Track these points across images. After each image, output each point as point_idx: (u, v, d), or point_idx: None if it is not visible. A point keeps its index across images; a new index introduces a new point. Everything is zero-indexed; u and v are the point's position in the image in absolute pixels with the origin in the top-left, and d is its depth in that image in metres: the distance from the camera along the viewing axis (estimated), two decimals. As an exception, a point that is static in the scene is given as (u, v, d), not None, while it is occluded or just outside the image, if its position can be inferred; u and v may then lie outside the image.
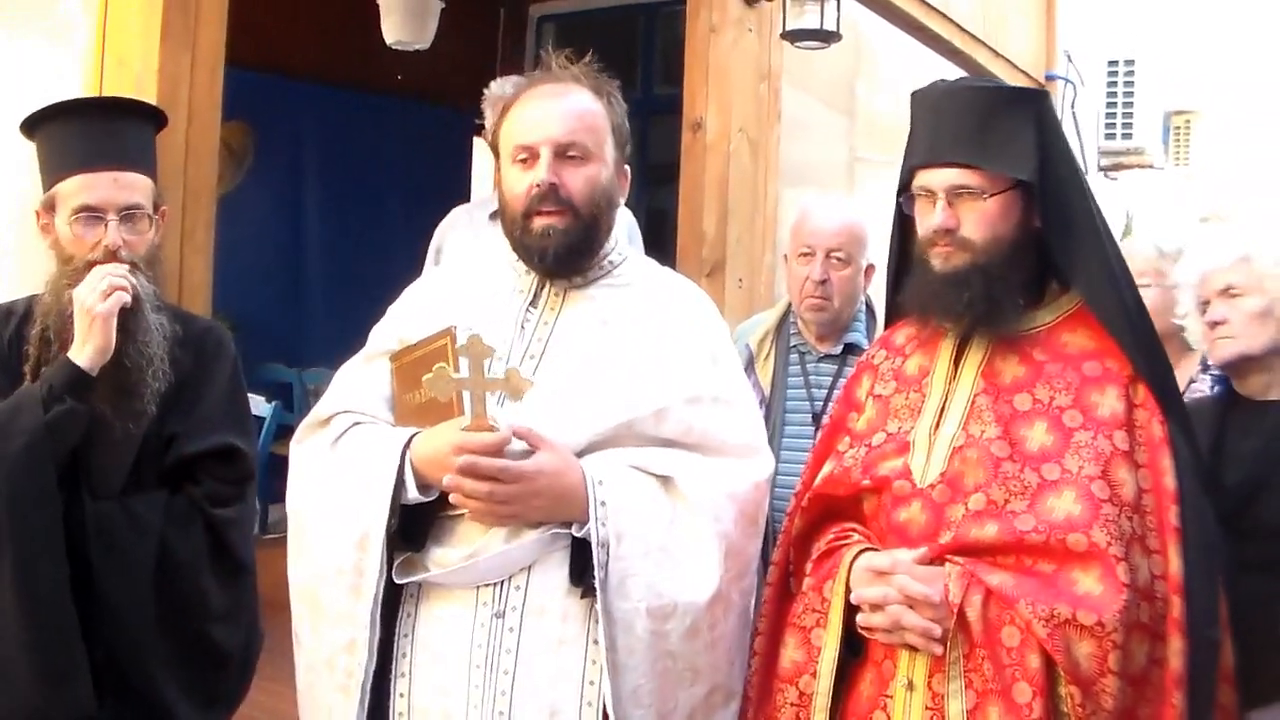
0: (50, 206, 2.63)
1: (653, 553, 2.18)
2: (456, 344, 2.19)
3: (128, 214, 2.59)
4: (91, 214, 2.58)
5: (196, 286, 3.54)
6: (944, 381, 2.21)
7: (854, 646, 2.20)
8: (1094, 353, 2.15)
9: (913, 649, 2.07)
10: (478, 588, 2.23)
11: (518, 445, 2.18)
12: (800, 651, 2.24)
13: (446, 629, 2.24)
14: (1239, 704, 2.17)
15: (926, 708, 2.07)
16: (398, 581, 2.25)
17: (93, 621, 2.48)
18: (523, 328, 2.36)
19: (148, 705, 2.52)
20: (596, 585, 2.14)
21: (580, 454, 2.23)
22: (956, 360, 2.23)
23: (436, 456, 2.19)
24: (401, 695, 2.26)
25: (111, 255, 2.55)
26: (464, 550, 2.23)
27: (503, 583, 2.22)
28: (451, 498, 2.19)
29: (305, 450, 2.38)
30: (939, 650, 2.04)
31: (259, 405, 2.79)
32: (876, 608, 2.08)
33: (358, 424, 2.35)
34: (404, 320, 2.44)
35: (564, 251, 2.31)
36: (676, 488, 2.23)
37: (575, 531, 2.18)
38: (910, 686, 2.09)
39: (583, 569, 2.17)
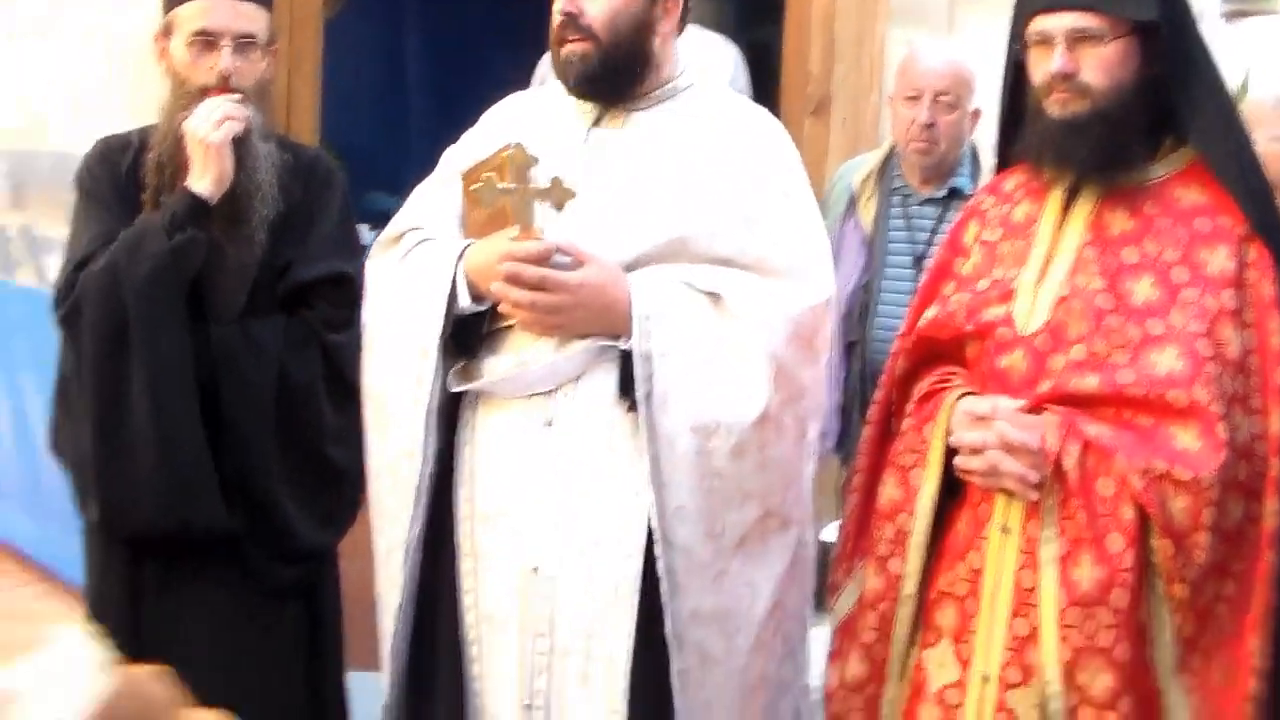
0: (168, 31, 2.67)
1: (697, 369, 2.23)
2: (507, 156, 2.25)
3: (242, 42, 2.62)
4: (207, 39, 2.60)
5: (304, 116, 3.59)
6: (1051, 231, 2.20)
7: (951, 488, 2.23)
8: (1206, 209, 2.12)
9: (1009, 494, 2.11)
10: (529, 396, 2.30)
11: (566, 259, 2.24)
12: (899, 490, 2.28)
13: (501, 437, 2.34)
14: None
15: (1020, 551, 2.11)
16: (451, 389, 2.35)
17: (218, 440, 2.58)
18: (584, 147, 2.41)
19: (270, 520, 2.63)
20: (639, 399, 2.20)
21: (631, 268, 2.28)
22: (1065, 210, 2.21)
23: (485, 265, 2.27)
24: (465, 501, 2.37)
25: (224, 81, 2.59)
26: (514, 359, 2.32)
27: (552, 392, 2.29)
28: (500, 307, 2.28)
29: (377, 265, 2.49)
30: (1035, 496, 2.07)
31: (362, 233, 2.85)
32: (975, 451, 2.11)
33: (425, 240, 2.43)
34: (477, 141, 2.50)
35: (586, 77, 2.36)
36: (725, 305, 2.26)
37: (621, 344, 2.23)
38: (1005, 530, 2.13)
39: (629, 384, 2.23)
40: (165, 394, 2.53)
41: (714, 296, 2.27)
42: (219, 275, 2.63)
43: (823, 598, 3.59)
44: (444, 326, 2.32)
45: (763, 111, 2.57)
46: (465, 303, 2.32)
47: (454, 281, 2.32)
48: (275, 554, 2.67)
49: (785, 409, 2.28)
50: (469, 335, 2.36)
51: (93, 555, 2.76)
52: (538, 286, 2.21)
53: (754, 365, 2.24)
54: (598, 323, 2.25)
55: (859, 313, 3.65)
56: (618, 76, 2.37)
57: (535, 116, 2.51)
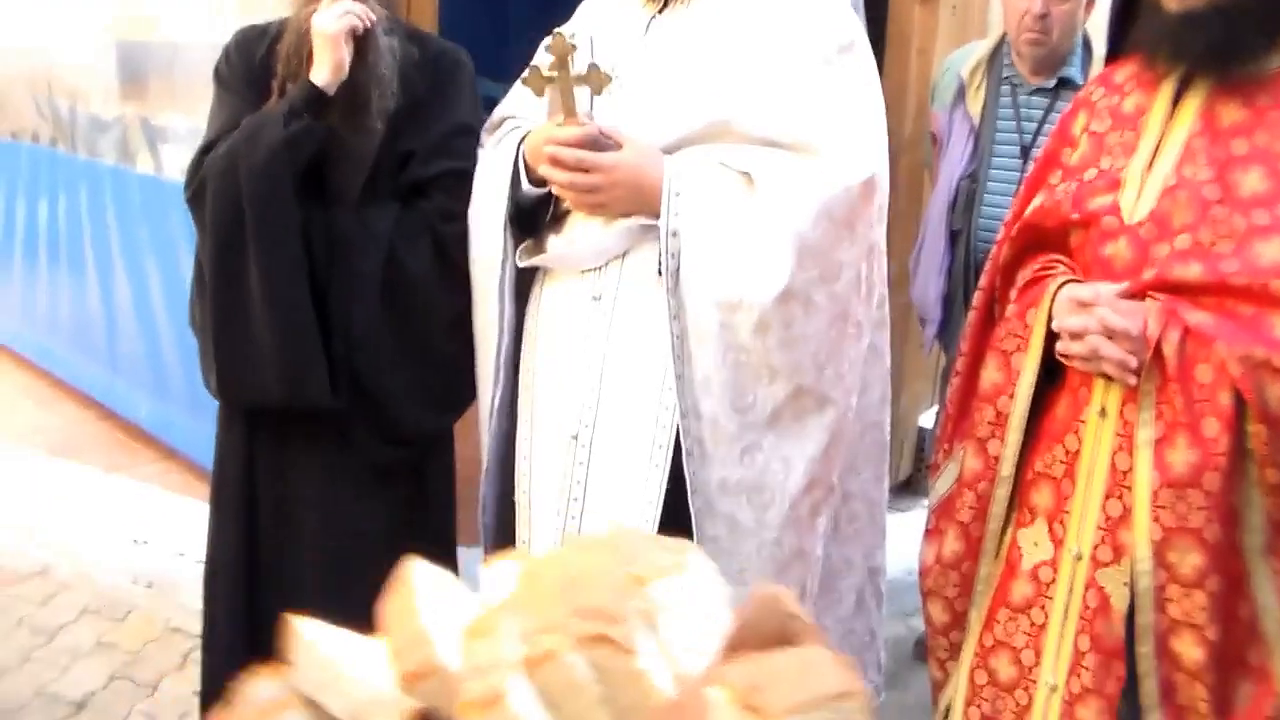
0: None
1: (720, 246, 2.28)
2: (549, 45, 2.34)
3: None
4: None
5: (423, 7, 3.65)
6: (1161, 121, 2.21)
7: (1051, 373, 2.29)
8: (1323, 101, 2.12)
9: (1108, 378, 2.16)
10: (581, 272, 2.42)
11: (609, 142, 2.33)
12: (1000, 373, 2.34)
13: (556, 308, 2.47)
14: None
15: (1116, 434, 2.17)
16: (521, 265, 2.50)
17: (328, 322, 2.68)
18: (647, 33, 2.46)
19: (376, 403, 2.73)
20: (666, 274, 2.28)
21: (674, 150, 2.34)
22: (1175, 102, 2.22)
23: (534, 149, 2.40)
24: (527, 370, 2.53)
25: None
26: (568, 237, 2.44)
27: (601, 269, 2.40)
28: (552, 189, 2.39)
29: (481, 153, 2.63)
30: (1133, 381, 2.12)
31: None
32: (1076, 336, 2.16)
33: (516, 128, 2.56)
34: (569, 29, 2.54)
35: None
36: (756, 184, 2.30)
37: (658, 222, 2.31)
38: (1103, 413, 2.19)
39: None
40: (277, 275, 2.62)
41: (746, 176, 2.31)
42: (338, 163, 2.72)
43: (914, 481, 3.64)
44: (508, 207, 2.47)
45: None
46: (525, 186, 2.46)
47: (516, 167, 2.46)
48: (380, 435, 2.78)
49: (815, 287, 2.31)
50: (538, 215, 2.50)
51: (220, 421, 2.92)
52: (576, 168, 2.31)
53: (777, 243, 2.27)
54: (636, 202, 2.33)
55: (965, 202, 3.67)
56: None
57: (614, 6, 2.57)
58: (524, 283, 2.59)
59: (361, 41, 2.65)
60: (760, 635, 0.91)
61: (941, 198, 3.76)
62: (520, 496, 2.54)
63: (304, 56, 2.67)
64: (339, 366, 2.68)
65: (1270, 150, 2.10)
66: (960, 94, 3.71)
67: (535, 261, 2.50)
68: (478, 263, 2.60)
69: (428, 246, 2.72)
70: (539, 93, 2.38)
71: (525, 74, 2.38)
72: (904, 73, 4.60)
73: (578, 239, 2.44)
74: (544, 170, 2.36)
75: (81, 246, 5.89)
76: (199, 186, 2.70)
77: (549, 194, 2.48)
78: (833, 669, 0.89)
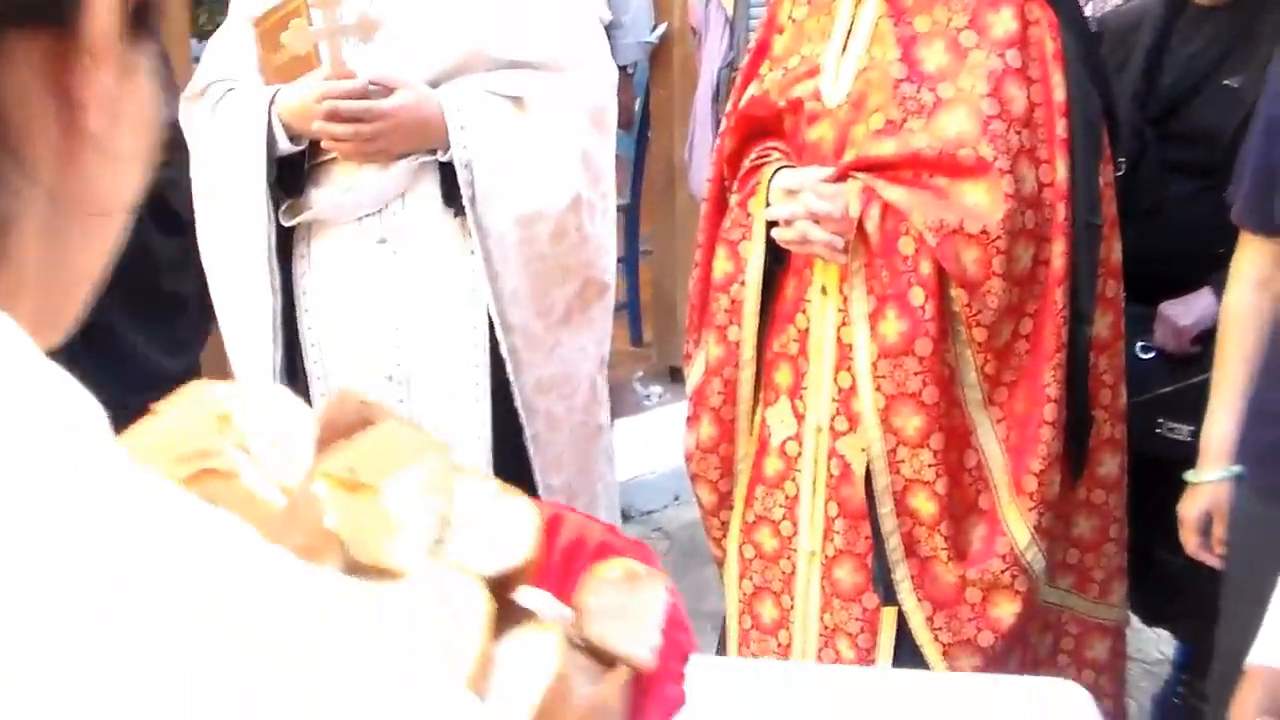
0: None
1: (513, 166, 2.36)
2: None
3: None
4: None
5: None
6: (851, 5, 2.29)
7: (779, 256, 2.38)
8: (992, -27, 2.21)
9: (824, 259, 2.27)
10: (360, 219, 2.42)
11: (376, 89, 2.33)
12: (730, 263, 2.43)
13: (338, 261, 2.46)
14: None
15: (838, 310, 2.28)
16: (286, 224, 2.46)
17: None
18: None
19: (118, 354, 2.65)
20: (465, 203, 2.34)
21: (435, 84, 2.37)
22: None
23: (302, 107, 2.34)
24: (309, 329, 2.51)
25: None
26: (341, 186, 2.43)
27: (381, 211, 2.41)
28: (323, 143, 2.38)
29: (191, 118, 2.54)
30: (843, 260, 2.22)
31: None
32: (788, 223, 2.25)
33: (230, 90, 2.49)
34: None
35: None
36: (527, 105, 2.39)
37: (440, 157, 2.35)
38: (824, 291, 2.30)
39: (452, 191, 2.37)
40: None
41: (516, 100, 2.37)
42: None
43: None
44: (268, 170, 2.42)
45: None
46: (284, 146, 2.40)
47: (269, 127, 2.40)
48: (124, 381, 2.76)
49: (593, 189, 2.48)
50: (292, 174, 2.46)
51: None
52: (357, 119, 2.29)
53: (562, 155, 2.42)
54: (418, 141, 2.35)
55: (727, 91, 3.73)
56: None
57: None
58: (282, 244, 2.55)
59: None
60: (343, 429, 1.00)
61: (705, 88, 3.84)
62: None
63: None
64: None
65: (949, 24, 2.20)
66: (714, -15, 3.76)
67: (308, 217, 2.47)
68: (231, 234, 2.53)
69: None
70: (303, 49, 2.35)
71: (283, 32, 2.34)
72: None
73: (354, 186, 2.42)
74: (318, 126, 2.32)
75: None
76: None
77: (301, 152, 2.44)
78: (411, 434, 0.99)
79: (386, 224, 2.41)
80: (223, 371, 2.83)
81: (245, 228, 2.48)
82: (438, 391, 2.44)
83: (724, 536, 2.62)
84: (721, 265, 2.45)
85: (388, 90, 2.32)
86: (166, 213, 2.67)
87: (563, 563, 1.08)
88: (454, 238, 2.39)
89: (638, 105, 4.88)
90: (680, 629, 1.06)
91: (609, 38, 4.43)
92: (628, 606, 1.01)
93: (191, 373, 2.88)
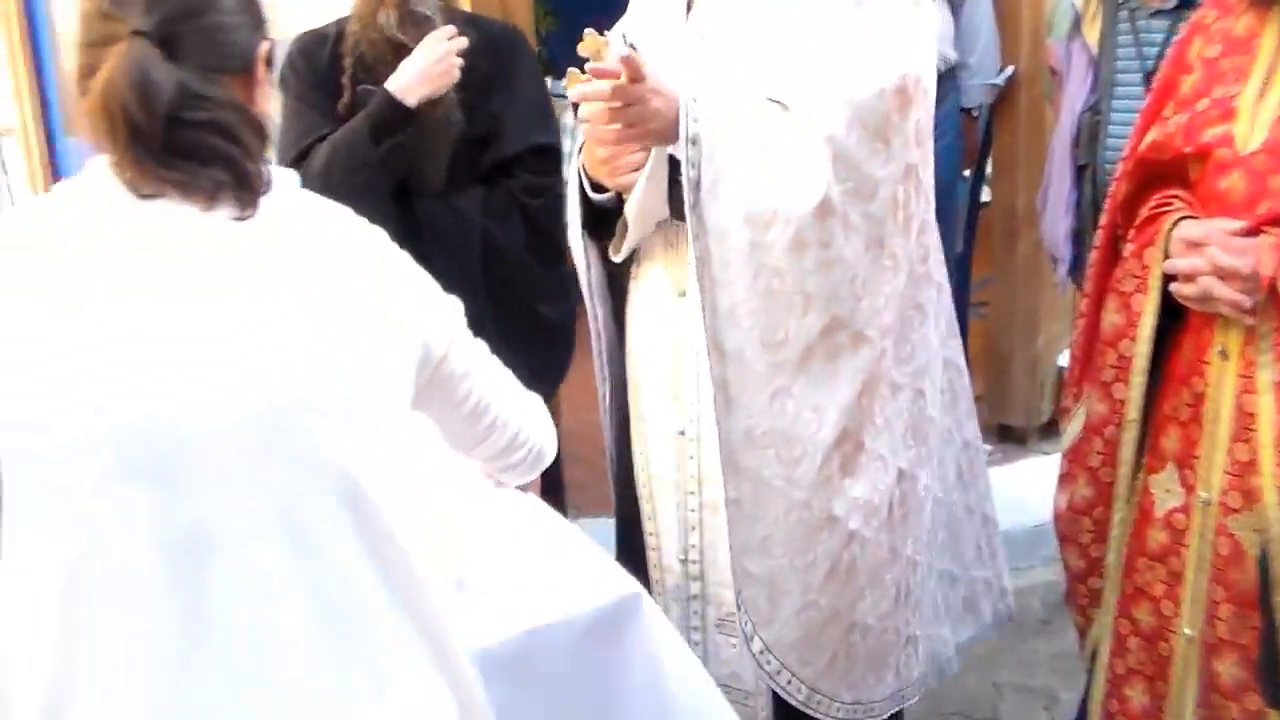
0: None
1: (748, 152, 2.07)
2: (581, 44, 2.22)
3: None
4: None
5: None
6: (1273, 46, 2.11)
7: (1174, 312, 2.21)
8: None
9: (1227, 318, 2.09)
10: (667, 269, 2.36)
11: None
12: (1120, 316, 2.28)
13: (647, 307, 2.44)
14: None
15: (1239, 376, 2.09)
16: (615, 259, 2.43)
17: None
18: (689, 16, 2.33)
19: None
20: (685, 184, 2.05)
21: None
22: None
23: (590, 160, 2.30)
24: (632, 368, 2.49)
25: None
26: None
27: (686, 266, 2.24)
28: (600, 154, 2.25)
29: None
30: (1250, 321, 2.04)
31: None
32: (1189, 278, 2.09)
33: None
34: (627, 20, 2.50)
35: None
36: (788, 108, 2.12)
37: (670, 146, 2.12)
38: (1224, 354, 2.12)
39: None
40: None
41: (779, 104, 2.12)
42: (421, 158, 2.77)
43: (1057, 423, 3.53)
44: (582, 215, 2.40)
45: None
46: (593, 196, 2.37)
47: (579, 173, 2.37)
48: None
49: (851, 204, 2.09)
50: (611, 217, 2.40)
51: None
52: (612, 100, 2.07)
53: (809, 148, 2.06)
54: (664, 114, 2.07)
55: (1089, 135, 3.56)
56: None
57: None
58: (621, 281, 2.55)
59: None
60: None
61: (1065, 132, 3.66)
62: (641, 489, 2.51)
63: (381, 58, 2.74)
64: None
65: None
66: (1076, 23, 3.59)
67: (626, 248, 2.41)
68: (577, 265, 2.54)
69: (519, 223, 2.75)
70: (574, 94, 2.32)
71: (565, 80, 2.29)
72: (1015, 4, 4.48)
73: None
74: (586, 130, 2.21)
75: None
76: None
77: (619, 200, 2.37)
78: None
79: (688, 278, 2.22)
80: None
81: (580, 265, 2.49)
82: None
83: (1090, 605, 2.47)
84: (1110, 317, 2.29)
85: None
86: (546, 242, 2.71)
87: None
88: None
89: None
90: None
91: (954, 79, 4.37)
92: None
93: (550, 400, 2.94)
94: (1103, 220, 2.43)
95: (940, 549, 2.46)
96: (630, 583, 1.91)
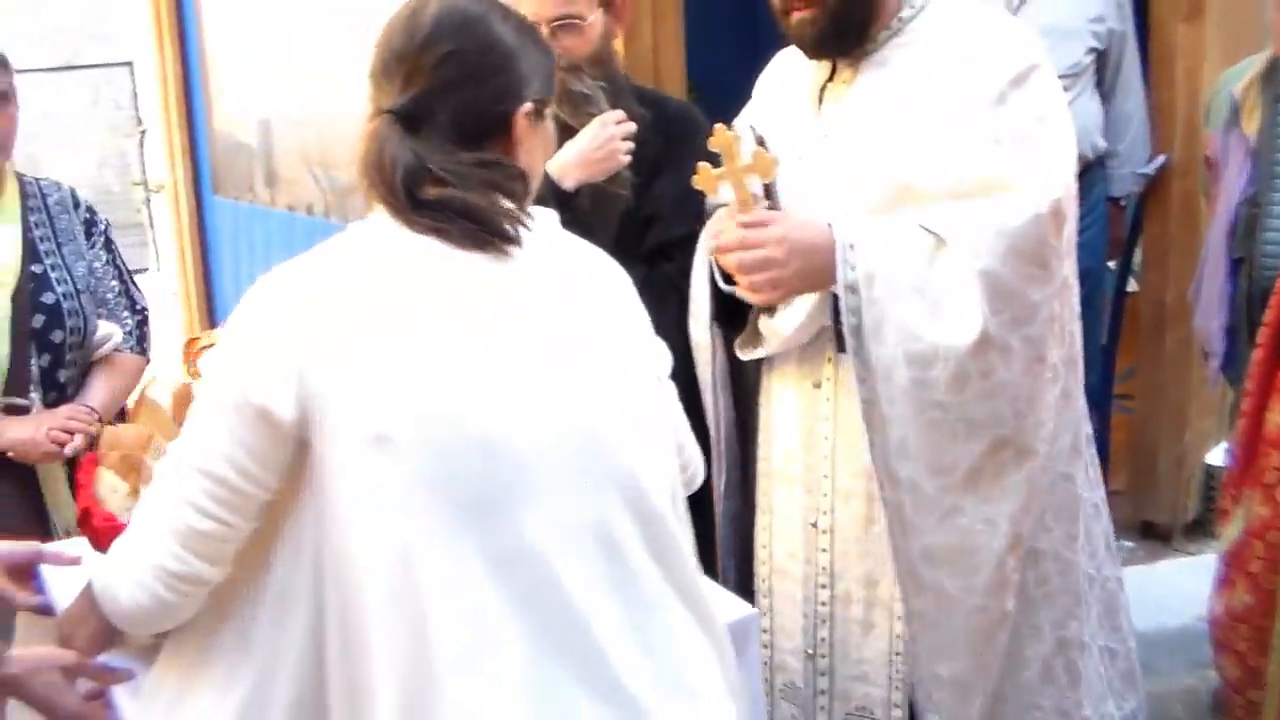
0: None
1: (906, 294, 2.14)
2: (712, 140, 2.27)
3: (561, 24, 2.71)
4: None
5: (671, 69, 3.69)
6: None
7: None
8: None
9: None
10: (801, 364, 2.38)
11: None
12: (1286, 416, 2.21)
13: (782, 399, 2.44)
14: None
15: None
16: (741, 356, 2.46)
17: None
18: (820, 105, 2.38)
19: None
20: (846, 332, 2.14)
21: None
22: None
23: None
24: (762, 459, 2.50)
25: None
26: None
27: (822, 358, 2.36)
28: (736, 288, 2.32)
29: None
30: None
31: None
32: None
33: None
34: (752, 107, 2.54)
35: (817, 42, 2.32)
36: (944, 241, 2.16)
37: (833, 287, 2.18)
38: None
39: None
40: None
41: (936, 237, 2.17)
42: (592, 232, 2.76)
43: (1204, 522, 3.43)
44: (711, 307, 2.45)
45: (985, 13, 2.37)
46: (722, 285, 2.39)
47: (710, 265, 2.42)
48: None
49: (1010, 331, 2.15)
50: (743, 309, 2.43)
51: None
52: (742, 246, 2.22)
53: (965, 286, 2.13)
54: (810, 269, 2.20)
55: (1246, 228, 3.47)
56: (852, 31, 2.31)
57: (783, 82, 2.52)
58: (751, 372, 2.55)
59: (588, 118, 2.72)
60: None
61: (1221, 224, 3.57)
62: (759, 584, 2.50)
63: None
64: None
65: None
66: (1235, 114, 3.52)
67: (750, 355, 2.46)
68: (697, 353, 2.55)
69: (674, 307, 2.74)
70: (711, 191, 2.33)
71: (696, 175, 2.32)
72: (1170, 93, 4.40)
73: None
74: (715, 257, 2.33)
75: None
76: None
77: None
78: None
79: (823, 370, 2.35)
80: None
81: (703, 355, 2.52)
82: (860, 545, 2.36)
83: (1246, 716, 2.36)
84: (1275, 418, 2.23)
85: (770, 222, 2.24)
86: None
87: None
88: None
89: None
90: None
91: (1102, 167, 4.31)
92: None
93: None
94: (1268, 316, 2.37)
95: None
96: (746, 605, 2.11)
